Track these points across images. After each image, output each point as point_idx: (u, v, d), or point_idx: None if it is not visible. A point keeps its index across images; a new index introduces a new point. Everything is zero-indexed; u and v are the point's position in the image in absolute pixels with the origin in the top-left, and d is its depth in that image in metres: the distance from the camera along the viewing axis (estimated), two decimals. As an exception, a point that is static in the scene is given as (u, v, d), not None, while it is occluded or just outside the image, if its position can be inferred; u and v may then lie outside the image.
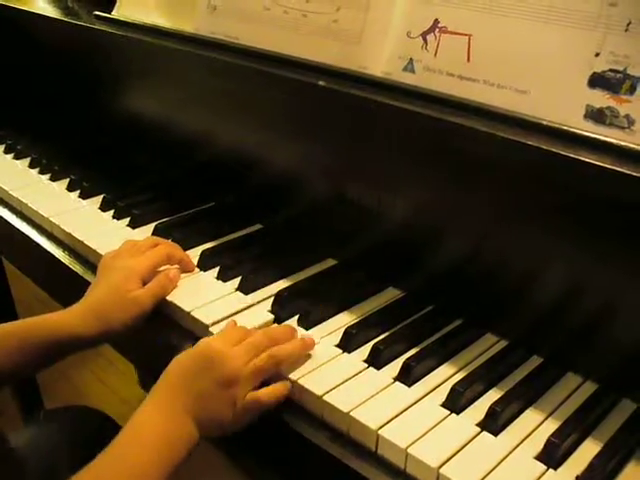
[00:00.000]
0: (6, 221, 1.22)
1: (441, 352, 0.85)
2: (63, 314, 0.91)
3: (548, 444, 0.71)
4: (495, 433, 0.74)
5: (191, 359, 0.79)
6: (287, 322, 0.91)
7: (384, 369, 0.83)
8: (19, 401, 1.86)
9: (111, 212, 1.18)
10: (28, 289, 1.50)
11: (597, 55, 0.73)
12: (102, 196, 1.22)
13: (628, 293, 0.76)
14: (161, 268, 0.97)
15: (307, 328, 0.89)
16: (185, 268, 1.00)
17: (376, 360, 0.83)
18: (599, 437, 0.75)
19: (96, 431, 1.10)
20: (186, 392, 0.76)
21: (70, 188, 1.27)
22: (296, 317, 0.91)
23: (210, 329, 0.88)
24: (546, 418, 0.77)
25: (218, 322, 0.89)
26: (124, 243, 1.01)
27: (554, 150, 0.72)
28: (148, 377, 0.84)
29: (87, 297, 0.93)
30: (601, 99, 0.73)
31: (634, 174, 0.67)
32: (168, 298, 0.94)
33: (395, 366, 0.82)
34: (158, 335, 0.93)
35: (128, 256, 0.97)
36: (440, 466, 0.69)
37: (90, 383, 2.20)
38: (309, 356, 0.83)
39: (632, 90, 0.71)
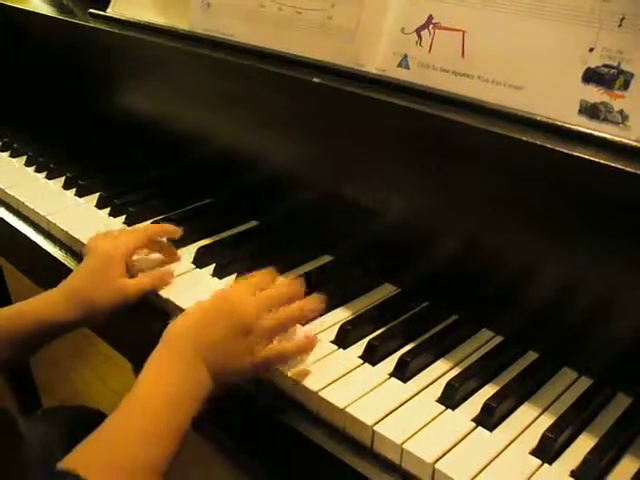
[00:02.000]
0: (2, 219, 1.22)
1: (436, 348, 0.85)
2: (40, 301, 0.91)
3: (543, 439, 0.71)
4: (490, 428, 0.74)
5: (204, 309, 0.78)
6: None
7: (379, 365, 0.83)
8: (17, 399, 1.86)
9: (107, 210, 1.18)
10: (25, 287, 1.50)
11: (591, 50, 0.73)
12: (98, 194, 1.22)
13: (623, 288, 0.76)
14: (153, 256, 1.00)
15: (303, 324, 0.89)
16: (171, 236, 1.02)
17: (371, 356, 0.83)
18: (594, 432, 0.75)
19: (94, 430, 1.10)
20: (198, 339, 0.75)
21: (66, 186, 1.27)
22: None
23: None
24: (541, 413, 0.77)
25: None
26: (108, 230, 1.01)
27: (549, 145, 0.72)
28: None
29: (68, 281, 0.92)
30: (595, 94, 0.73)
31: (628, 169, 0.67)
32: (164, 295, 0.94)
33: (391, 362, 0.82)
34: (154, 332, 0.93)
35: (110, 239, 0.97)
36: (435, 461, 0.69)
37: (88, 381, 2.20)
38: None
39: (626, 85, 0.71)
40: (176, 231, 1.02)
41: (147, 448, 0.69)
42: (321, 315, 0.90)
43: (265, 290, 0.82)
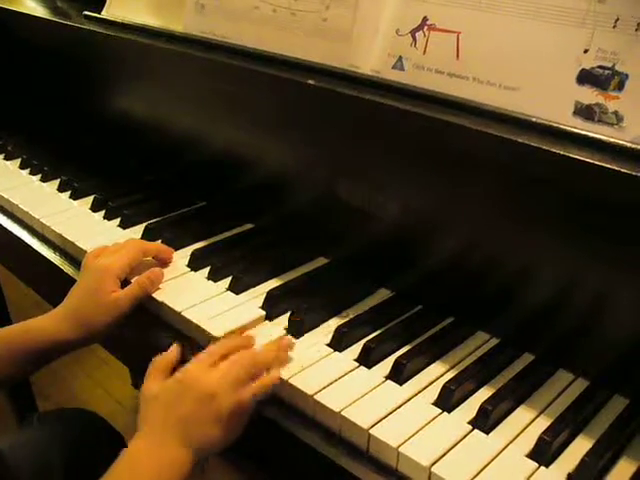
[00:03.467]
0: (-3, 222, 1.22)
1: (432, 350, 0.85)
2: (45, 320, 0.92)
3: (539, 442, 0.71)
4: (487, 431, 0.74)
5: (169, 388, 0.79)
6: (277, 320, 0.91)
7: (375, 368, 0.82)
8: (13, 403, 1.85)
9: (102, 213, 1.18)
10: (20, 290, 1.50)
11: (586, 52, 0.73)
12: (93, 197, 1.22)
13: (619, 290, 0.76)
14: (143, 260, 0.99)
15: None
16: (163, 257, 1.01)
17: (367, 359, 0.83)
18: (591, 434, 0.75)
19: (91, 433, 1.10)
20: (169, 418, 0.76)
21: (61, 189, 1.27)
22: (287, 316, 0.90)
23: (201, 328, 0.88)
24: (538, 416, 0.77)
25: (208, 321, 0.89)
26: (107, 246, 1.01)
27: (543, 147, 0.72)
28: (141, 377, 0.84)
29: (67, 300, 0.94)
30: (590, 96, 0.73)
31: (623, 171, 0.67)
32: (159, 298, 0.93)
33: (386, 365, 0.82)
34: (150, 336, 0.93)
35: (105, 255, 0.97)
36: (432, 465, 0.69)
37: (84, 385, 2.20)
38: (300, 355, 0.83)
39: (620, 86, 0.71)
40: (170, 253, 1.03)
41: None
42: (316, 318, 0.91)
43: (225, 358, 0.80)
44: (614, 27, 0.71)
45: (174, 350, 0.85)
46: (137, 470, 0.73)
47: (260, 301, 0.93)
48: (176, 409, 0.76)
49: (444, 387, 0.78)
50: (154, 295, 0.94)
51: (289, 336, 0.87)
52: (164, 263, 1.01)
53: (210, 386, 0.76)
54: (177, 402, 0.76)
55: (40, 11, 1.41)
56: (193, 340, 0.89)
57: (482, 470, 0.69)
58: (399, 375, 0.80)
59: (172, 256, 1.03)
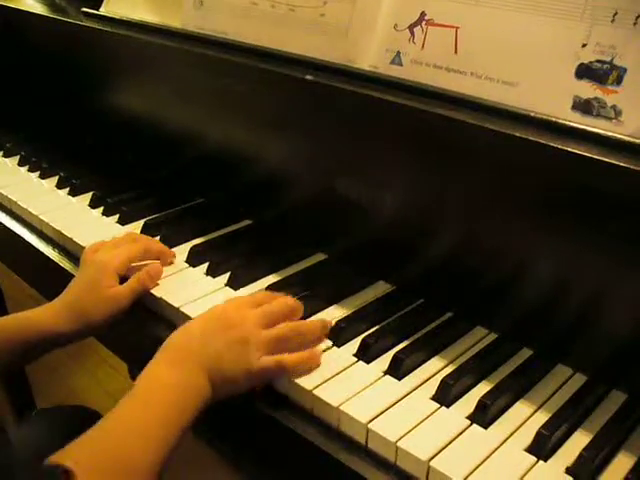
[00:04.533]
0: (-4, 219, 1.22)
1: (431, 345, 0.85)
2: (43, 312, 0.92)
3: (538, 436, 0.71)
4: (485, 426, 0.74)
5: (203, 322, 0.80)
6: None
7: (374, 363, 0.82)
8: (11, 400, 1.85)
9: (100, 209, 1.18)
10: (18, 286, 1.50)
11: (584, 46, 0.73)
12: (91, 193, 1.21)
13: (617, 284, 0.76)
14: (141, 263, 0.97)
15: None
16: (165, 260, 1.00)
17: (366, 354, 0.83)
18: (589, 428, 0.74)
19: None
20: (199, 350, 0.76)
21: (59, 185, 1.27)
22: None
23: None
24: (536, 410, 0.77)
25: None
26: (106, 240, 1.01)
27: (542, 141, 0.72)
28: (139, 373, 0.84)
29: (66, 293, 0.93)
30: (588, 90, 0.73)
31: (622, 164, 0.67)
32: (157, 294, 0.93)
33: (385, 360, 0.82)
34: (148, 331, 0.93)
35: (105, 250, 0.96)
36: (430, 459, 0.69)
37: (83, 382, 2.20)
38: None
39: (619, 81, 0.71)
40: (171, 255, 1.02)
41: (143, 449, 0.69)
42: (316, 313, 0.90)
43: (264, 305, 0.82)
44: (612, 21, 0.71)
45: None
46: (152, 394, 0.73)
47: (258, 296, 0.93)
48: (209, 342, 0.76)
49: (442, 382, 0.77)
50: (152, 291, 0.94)
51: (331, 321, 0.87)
52: (164, 264, 1.00)
53: (247, 332, 0.77)
54: (211, 336, 0.77)
55: (38, 8, 1.41)
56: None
57: (481, 464, 0.69)
58: (398, 370, 0.80)
59: (173, 259, 1.02)
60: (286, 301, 0.85)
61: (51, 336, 0.90)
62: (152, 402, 0.72)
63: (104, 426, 0.71)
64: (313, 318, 0.89)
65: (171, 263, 1.01)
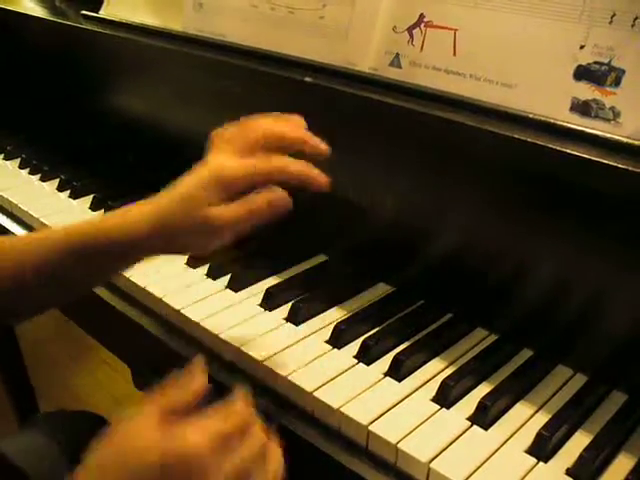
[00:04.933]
0: (-4, 222, 1.22)
1: (431, 347, 0.85)
2: (122, 216, 0.74)
3: (538, 437, 0.71)
4: (485, 427, 0.74)
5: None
6: (276, 317, 0.91)
7: (374, 364, 0.82)
8: (13, 402, 1.86)
9: (101, 211, 1.18)
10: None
11: (582, 47, 0.73)
12: (92, 196, 1.22)
13: (618, 285, 0.76)
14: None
15: (297, 324, 0.89)
16: (312, 182, 0.77)
17: (366, 356, 0.83)
18: (590, 429, 0.75)
19: (94, 436, 1.09)
20: None
21: (60, 188, 1.27)
22: (286, 313, 0.90)
23: (200, 326, 0.88)
24: (536, 411, 0.77)
25: (207, 319, 0.89)
26: (242, 125, 0.79)
27: (540, 143, 0.72)
28: (142, 376, 0.84)
29: (162, 197, 0.74)
30: (587, 91, 0.73)
31: (620, 166, 0.67)
32: (158, 294, 0.93)
33: (385, 361, 0.82)
34: (149, 334, 0.93)
35: (231, 150, 0.75)
36: (430, 461, 0.69)
37: (85, 385, 2.20)
38: (298, 352, 0.83)
39: (617, 82, 0.71)
40: (322, 148, 0.77)
41: None
42: (316, 315, 0.91)
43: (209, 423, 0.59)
44: (610, 22, 0.71)
45: (197, 379, 0.61)
46: None
47: (259, 299, 0.93)
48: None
49: (443, 383, 0.78)
50: (153, 292, 0.94)
51: (300, 328, 0.86)
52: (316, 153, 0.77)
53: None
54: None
55: (38, 11, 1.41)
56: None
57: (481, 466, 0.69)
58: (398, 372, 0.80)
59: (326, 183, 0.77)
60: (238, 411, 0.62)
61: (130, 244, 0.72)
62: None
63: None
64: (313, 320, 0.89)
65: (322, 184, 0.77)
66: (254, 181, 0.72)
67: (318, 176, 0.76)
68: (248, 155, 0.73)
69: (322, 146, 0.76)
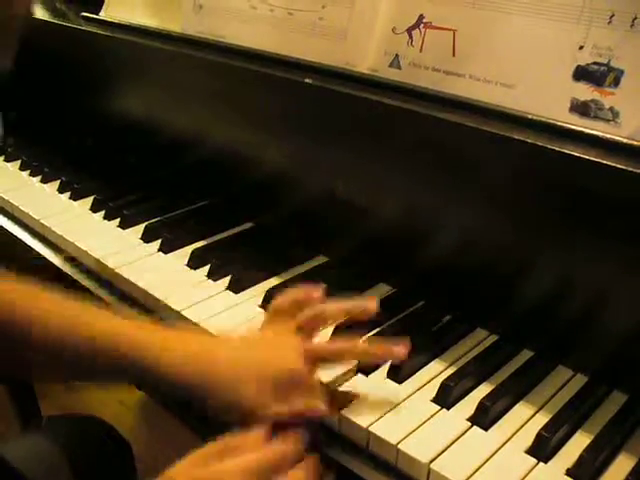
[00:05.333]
0: (-3, 224, 1.22)
1: (431, 348, 0.85)
2: (161, 337, 0.72)
3: (538, 438, 0.71)
4: (485, 428, 0.74)
5: None
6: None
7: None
8: (16, 406, 1.85)
9: (102, 213, 1.18)
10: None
11: (581, 48, 0.73)
12: (93, 197, 1.22)
13: (617, 285, 0.76)
14: None
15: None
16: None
17: (366, 357, 0.83)
18: (590, 430, 0.75)
19: (98, 441, 1.09)
20: None
21: (61, 190, 1.27)
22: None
23: (201, 326, 0.88)
24: (536, 412, 0.77)
25: (207, 320, 0.89)
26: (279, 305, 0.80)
27: (540, 144, 0.72)
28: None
29: (230, 341, 0.75)
30: (586, 92, 0.73)
31: (619, 166, 0.67)
32: (160, 297, 0.93)
33: (385, 363, 0.82)
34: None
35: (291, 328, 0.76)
36: (431, 461, 0.69)
37: (90, 388, 2.19)
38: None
39: (616, 82, 0.71)
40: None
41: None
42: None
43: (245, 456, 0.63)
44: (609, 23, 0.71)
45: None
46: None
47: (259, 300, 0.93)
48: None
49: (443, 384, 0.78)
50: (155, 294, 0.94)
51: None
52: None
53: None
54: None
55: (38, 12, 1.41)
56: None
57: (481, 466, 0.69)
58: (398, 373, 0.80)
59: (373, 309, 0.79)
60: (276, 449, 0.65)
61: (150, 374, 0.69)
62: None
63: None
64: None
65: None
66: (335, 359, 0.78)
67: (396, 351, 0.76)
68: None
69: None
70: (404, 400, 0.77)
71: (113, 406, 2.03)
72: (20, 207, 1.20)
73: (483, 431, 0.73)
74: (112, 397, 2.08)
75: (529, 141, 0.73)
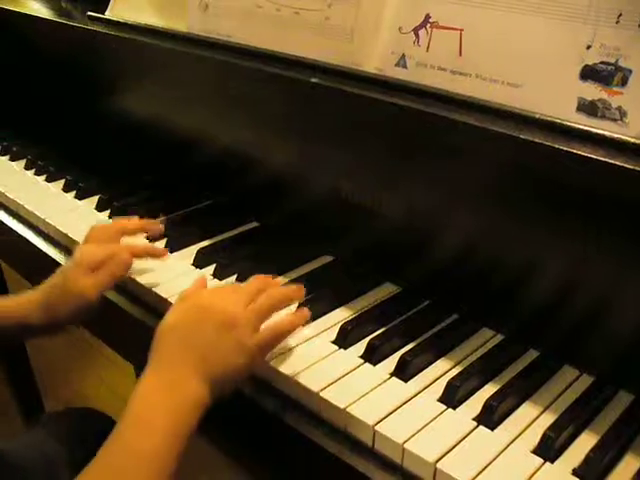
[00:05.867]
0: (2, 222, 1.22)
1: (437, 347, 0.85)
2: (21, 301, 0.92)
3: (545, 438, 0.71)
4: (492, 427, 0.74)
5: (182, 314, 0.77)
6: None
7: (380, 365, 0.82)
8: (19, 402, 1.86)
9: (107, 212, 1.18)
10: (26, 289, 1.50)
11: (588, 47, 0.73)
12: (98, 197, 1.22)
13: (624, 285, 0.76)
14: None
15: (303, 324, 0.89)
16: (151, 253, 1.01)
17: (372, 356, 0.83)
18: (596, 430, 0.74)
19: (99, 434, 1.09)
20: (187, 349, 0.72)
21: (66, 189, 1.27)
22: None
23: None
24: (543, 412, 0.77)
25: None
26: (93, 228, 1.01)
27: (547, 143, 0.72)
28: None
29: (45, 284, 0.93)
30: (593, 91, 0.73)
31: (627, 166, 0.67)
32: (164, 295, 0.94)
33: (391, 361, 0.82)
34: (153, 332, 0.93)
35: (90, 242, 0.97)
36: (437, 461, 0.69)
37: (91, 384, 2.20)
38: (305, 352, 0.83)
39: (624, 82, 0.71)
40: (156, 226, 1.06)
41: (147, 475, 0.66)
42: (322, 315, 0.91)
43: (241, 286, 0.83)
44: (617, 22, 0.71)
45: None
46: (151, 412, 0.69)
47: (265, 299, 0.93)
48: (194, 337, 0.73)
49: (449, 383, 0.78)
50: (160, 293, 0.94)
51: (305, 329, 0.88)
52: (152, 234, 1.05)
53: (231, 313, 0.75)
54: (195, 329, 0.74)
55: (44, 12, 1.42)
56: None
57: (487, 466, 0.69)
58: (404, 372, 0.80)
59: (166, 253, 1.02)
60: (259, 278, 0.85)
61: (23, 326, 0.91)
62: (150, 429, 0.68)
63: (111, 450, 0.67)
64: (319, 320, 0.90)
65: (162, 253, 1.01)
66: (105, 256, 0.93)
67: (155, 249, 1.01)
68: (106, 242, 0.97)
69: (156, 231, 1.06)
70: (410, 399, 0.77)
71: (115, 402, 2.03)
72: (25, 206, 1.21)
73: (489, 431, 0.73)
74: (114, 394, 2.09)
75: (536, 140, 0.72)
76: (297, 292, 0.85)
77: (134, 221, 1.04)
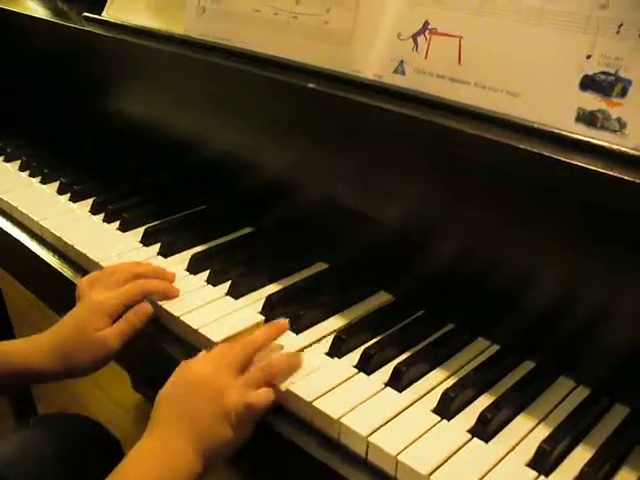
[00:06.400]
0: (-5, 224, 1.22)
1: (432, 357, 0.84)
2: (29, 347, 0.90)
3: (539, 451, 0.70)
4: (486, 439, 0.73)
5: (175, 387, 0.78)
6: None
7: (375, 374, 0.82)
8: (12, 405, 1.85)
9: (101, 215, 1.17)
10: (21, 293, 1.49)
11: (588, 57, 0.73)
12: (92, 199, 1.21)
13: (621, 297, 0.76)
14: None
15: (297, 332, 0.88)
16: (167, 296, 0.94)
17: (366, 365, 0.82)
18: (591, 443, 0.74)
19: (87, 440, 1.08)
20: (180, 420, 0.75)
21: (60, 191, 1.26)
22: (286, 321, 0.90)
23: (200, 332, 0.87)
24: (538, 424, 0.76)
25: (207, 326, 0.88)
26: (104, 270, 0.98)
27: (545, 153, 0.71)
28: (140, 381, 0.83)
29: (55, 331, 0.90)
30: (592, 102, 0.72)
31: (625, 178, 0.66)
32: (158, 302, 0.93)
33: (386, 371, 0.82)
34: (148, 339, 0.93)
35: (102, 287, 0.93)
36: (431, 473, 0.68)
37: (85, 388, 2.19)
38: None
39: (623, 93, 0.70)
40: (175, 294, 0.95)
41: None
42: (316, 323, 0.90)
43: (229, 355, 0.80)
44: (617, 33, 0.71)
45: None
46: (144, 471, 0.72)
47: (259, 306, 0.93)
48: (184, 406, 0.75)
49: (444, 394, 0.77)
50: (153, 299, 0.93)
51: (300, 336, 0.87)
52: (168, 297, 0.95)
53: (220, 383, 0.76)
54: (185, 399, 0.76)
55: (40, 12, 1.41)
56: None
57: (481, 479, 0.68)
58: (399, 382, 0.80)
59: (177, 294, 0.95)
60: (252, 339, 0.83)
61: (36, 373, 0.89)
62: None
63: None
64: (313, 329, 0.89)
65: (174, 296, 0.95)
66: (127, 304, 0.91)
67: (170, 288, 0.95)
68: (116, 288, 0.92)
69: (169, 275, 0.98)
70: (404, 410, 0.77)
71: (109, 408, 2.02)
72: (19, 208, 1.20)
73: (484, 443, 0.73)
74: (108, 399, 2.08)
75: (535, 150, 0.72)
76: (289, 364, 0.81)
77: (148, 266, 0.99)
